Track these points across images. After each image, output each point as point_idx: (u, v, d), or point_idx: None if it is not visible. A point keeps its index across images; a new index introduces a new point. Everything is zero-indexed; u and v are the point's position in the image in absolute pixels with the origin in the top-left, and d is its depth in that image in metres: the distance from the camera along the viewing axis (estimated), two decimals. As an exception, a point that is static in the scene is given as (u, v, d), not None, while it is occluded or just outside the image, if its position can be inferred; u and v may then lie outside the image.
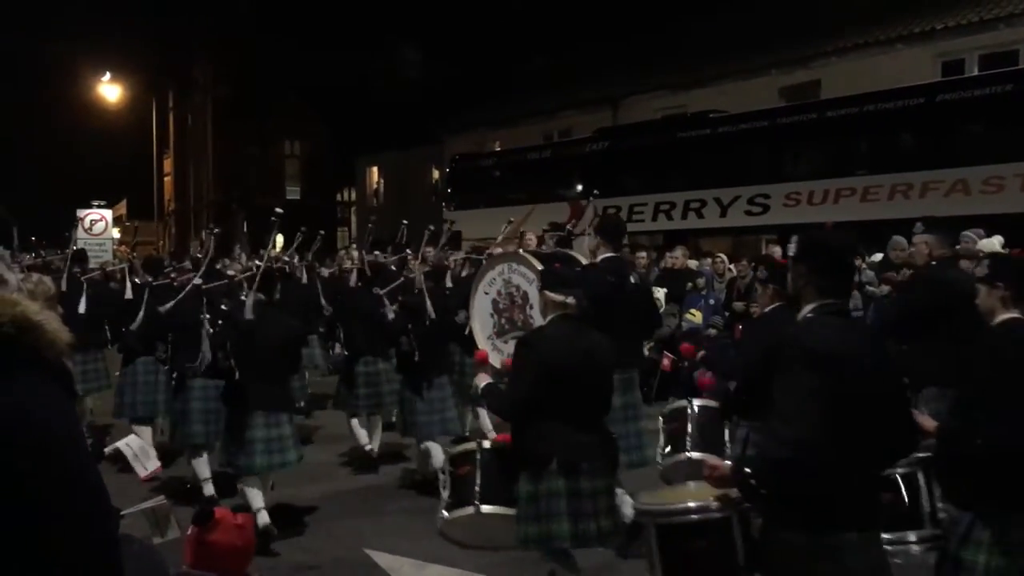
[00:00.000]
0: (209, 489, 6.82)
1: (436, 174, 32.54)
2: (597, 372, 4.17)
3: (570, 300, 4.22)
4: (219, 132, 48.68)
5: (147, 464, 4.15)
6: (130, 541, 2.20)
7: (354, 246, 11.95)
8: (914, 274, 6.45)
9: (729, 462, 3.08)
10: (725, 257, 12.17)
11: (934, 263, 5.66)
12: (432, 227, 9.04)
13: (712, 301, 11.01)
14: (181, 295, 7.16)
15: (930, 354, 5.03)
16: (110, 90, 34.14)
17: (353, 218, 43.76)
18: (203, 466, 6.92)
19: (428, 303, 7.05)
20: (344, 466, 8.13)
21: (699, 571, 3.07)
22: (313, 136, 47.82)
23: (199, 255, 11.73)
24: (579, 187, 18.62)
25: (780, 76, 19.98)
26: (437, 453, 6.79)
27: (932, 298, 5.30)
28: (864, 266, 10.24)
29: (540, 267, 5.75)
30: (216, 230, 9.95)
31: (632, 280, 6.10)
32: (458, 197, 21.62)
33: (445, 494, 4.31)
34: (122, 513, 3.77)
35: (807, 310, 2.96)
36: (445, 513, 4.29)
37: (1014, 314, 3.46)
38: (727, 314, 10.82)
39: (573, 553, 4.26)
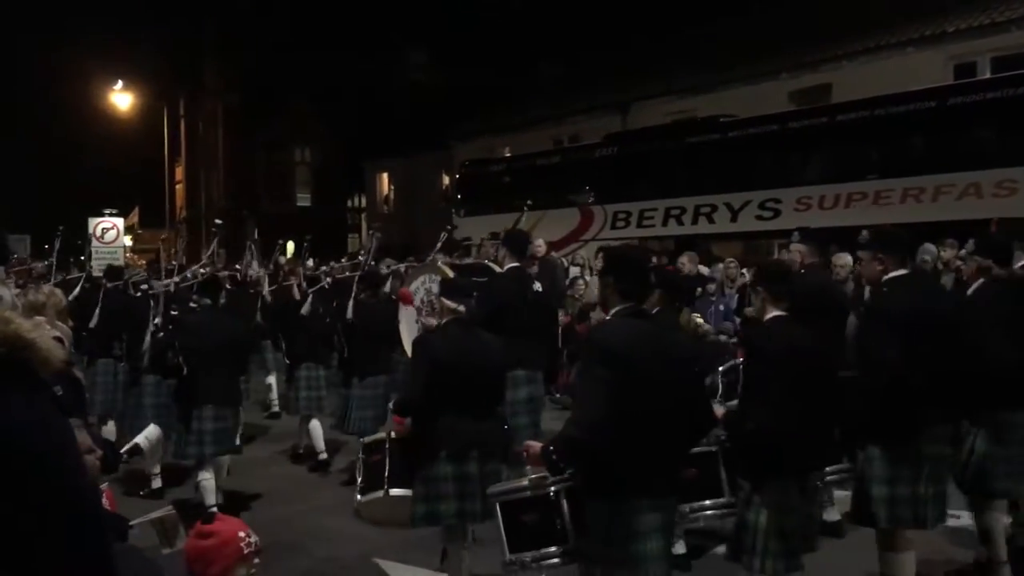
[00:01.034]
0: (157, 483, 7.46)
1: (446, 180, 32.58)
2: (485, 370, 4.61)
3: (461, 308, 4.75)
4: (230, 139, 48.95)
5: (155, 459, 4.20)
6: (132, 555, 2.18)
7: (308, 256, 12.34)
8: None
9: (537, 444, 3.60)
10: (736, 262, 12.12)
11: (803, 270, 6.61)
12: (450, 227, 9.78)
13: (722, 307, 10.96)
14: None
15: None
16: (122, 98, 34.28)
17: (363, 224, 43.88)
18: (154, 461, 7.22)
19: (349, 306, 7.81)
20: (348, 473, 8.08)
21: (534, 537, 3.65)
22: (323, 143, 48.02)
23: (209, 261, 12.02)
24: (589, 192, 18.61)
25: (790, 80, 19.91)
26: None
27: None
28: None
29: (450, 277, 6.43)
30: (218, 222, 10.58)
31: (536, 287, 6.55)
32: (467, 203, 21.63)
33: (359, 479, 4.93)
34: (130, 524, 3.76)
35: (611, 313, 3.50)
36: (359, 496, 4.89)
37: (777, 312, 4.03)
38: (738, 320, 10.77)
39: (466, 529, 4.78)
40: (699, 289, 11.18)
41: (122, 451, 4.50)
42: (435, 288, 6.84)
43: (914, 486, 4.19)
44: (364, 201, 43.11)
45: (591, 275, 13.15)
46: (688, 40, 25.28)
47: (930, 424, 4.19)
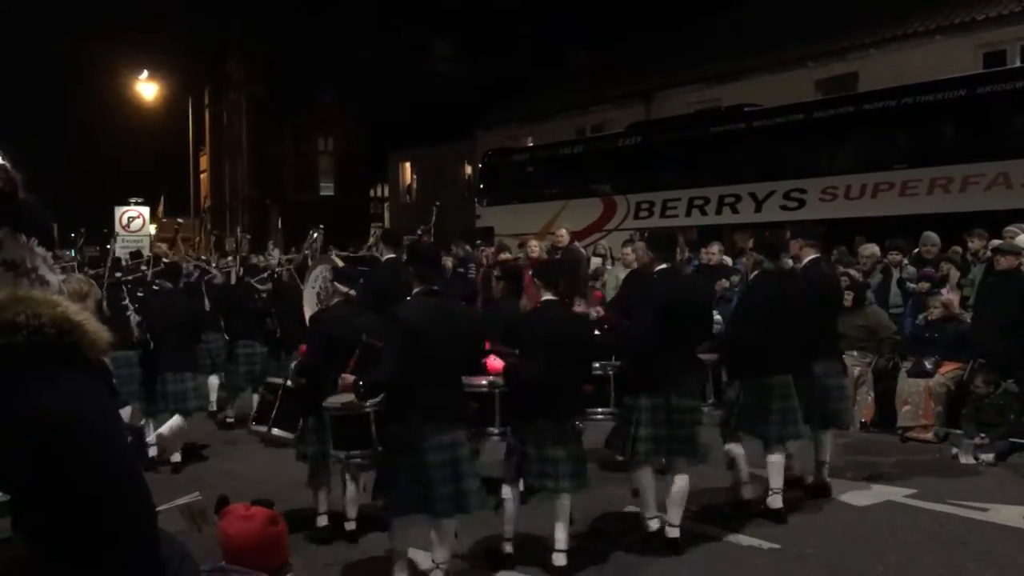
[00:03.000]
0: (177, 457, 7.98)
1: (469, 169, 32.56)
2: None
3: (352, 292, 6.07)
4: (254, 129, 49.18)
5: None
6: (168, 540, 2.21)
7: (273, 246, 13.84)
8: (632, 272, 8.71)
9: (352, 376, 5.02)
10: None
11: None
12: (321, 227, 10.97)
13: (746, 297, 10.89)
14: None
15: None
16: (147, 88, 34.52)
17: (386, 213, 43.96)
18: (175, 448, 8.04)
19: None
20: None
21: (349, 442, 5.10)
22: (346, 132, 48.12)
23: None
24: (612, 182, 18.53)
25: (816, 69, 19.70)
26: None
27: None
28: (906, 262, 10.07)
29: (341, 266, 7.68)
30: (216, 231, 11.34)
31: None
32: (490, 192, 21.59)
33: (253, 411, 6.39)
34: (157, 509, 3.81)
35: (414, 293, 4.84)
36: (252, 424, 6.16)
37: (548, 297, 5.33)
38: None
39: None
40: (723, 280, 11.12)
41: (149, 445, 4.70)
42: (330, 276, 7.97)
43: (668, 428, 5.42)
44: (387, 191, 43.17)
45: (612, 265, 13.12)
46: (713, 29, 25.06)
47: (678, 382, 5.46)
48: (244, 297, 10.15)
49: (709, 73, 22.16)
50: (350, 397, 5.01)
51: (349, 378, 5.01)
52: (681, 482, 5.50)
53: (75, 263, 12.72)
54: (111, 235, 19.02)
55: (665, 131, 18.29)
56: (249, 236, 12.08)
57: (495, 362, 5.48)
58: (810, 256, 6.75)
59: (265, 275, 10.99)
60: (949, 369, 8.35)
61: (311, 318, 6.16)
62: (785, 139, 15.54)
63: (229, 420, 9.87)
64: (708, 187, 16.43)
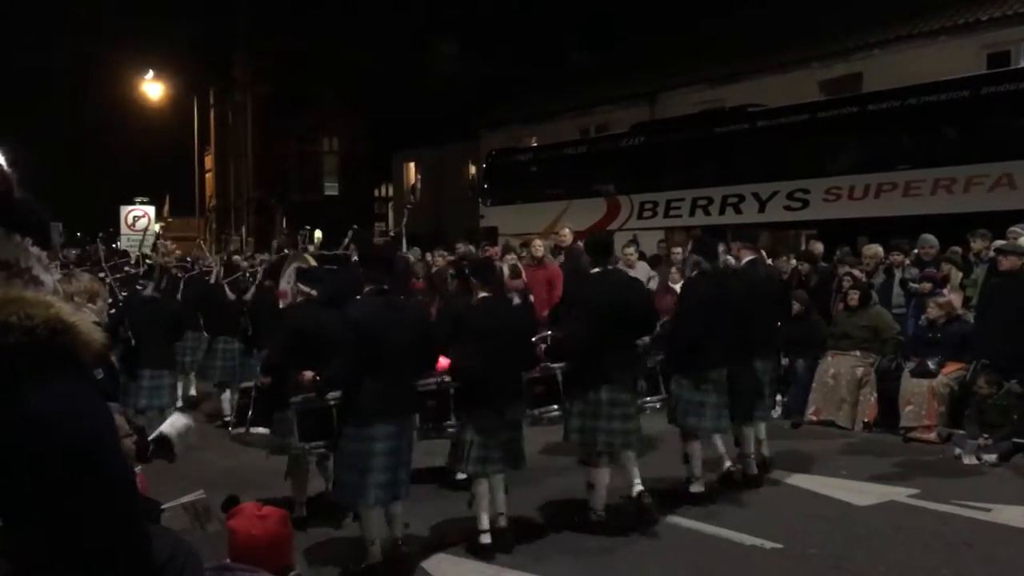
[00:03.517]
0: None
1: (473, 170, 32.55)
2: (327, 338, 5.51)
3: (314, 292, 6.31)
4: (259, 129, 49.21)
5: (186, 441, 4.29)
6: (165, 535, 2.22)
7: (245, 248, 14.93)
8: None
9: (311, 372, 5.58)
10: (763, 253, 12.02)
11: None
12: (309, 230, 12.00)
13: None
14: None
15: None
16: (153, 88, 34.57)
17: (390, 213, 43.96)
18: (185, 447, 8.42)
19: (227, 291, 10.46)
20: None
21: (314, 432, 5.56)
22: (351, 133, 48.13)
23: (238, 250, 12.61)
24: (616, 182, 18.52)
25: (820, 69, 19.68)
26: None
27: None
28: (908, 263, 10.06)
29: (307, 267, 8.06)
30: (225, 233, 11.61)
31: None
32: (494, 192, 21.59)
33: (233, 416, 6.77)
34: (162, 507, 3.83)
35: (364, 293, 5.32)
36: (231, 429, 6.53)
37: (483, 294, 5.70)
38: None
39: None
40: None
41: (149, 440, 4.69)
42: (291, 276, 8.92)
43: (596, 421, 5.84)
44: (391, 191, 43.19)
45: (614, 265, 13.09)
46: (717, 29, 25.04)
47: (610, 379, 5.83)
48: (224, 295, 10.67)
49: (713, 73, 22.15)
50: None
51: (308, 374, 5.58)
52: (605, 475, 5.94)
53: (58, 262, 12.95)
54: (116, 233, 19.04)
55: (669, 131, 18.28)
56: (252, 240, 12.43)
57: (444, 360, 5.79)
58: (748, 258, 7.23)
59: (239, 275, 11.63)
60: (952, 369, 8.35)
61: (276, 316, 6.72)
62: (789, 140, 15.52)
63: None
64: (712, 187, 16.41)
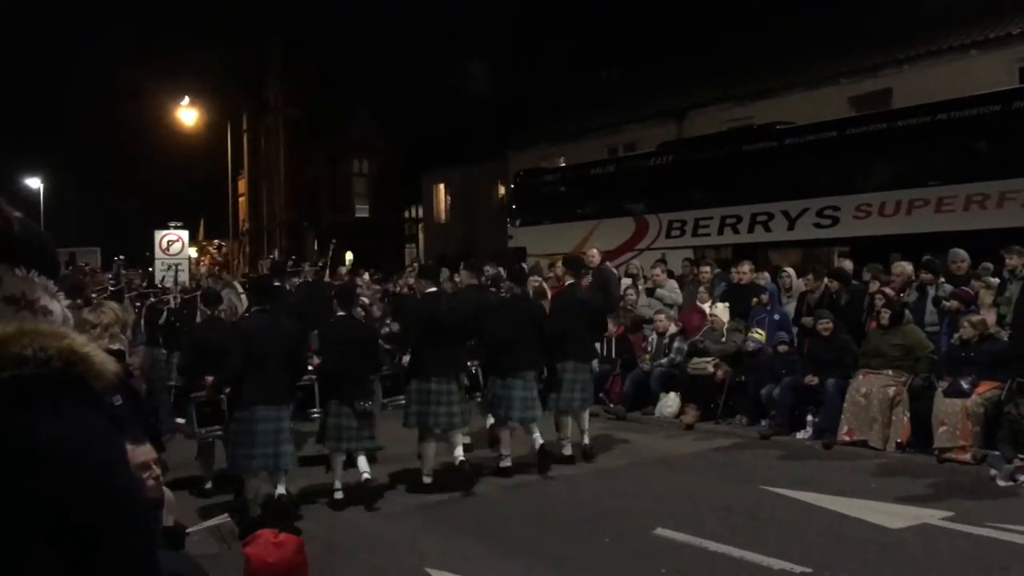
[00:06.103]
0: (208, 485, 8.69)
1: (502, 190, 32.67)
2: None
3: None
4: (290, 152, 49.77)
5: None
6: (183, 563, 2.25)
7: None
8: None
9: (211, 377, 7.13)
10: (792, 271, 11.93)
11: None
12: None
13: (777, 316, 10.77)
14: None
15: None
16: (187, 114, 35.12)
17: (420, 235, 44.19)
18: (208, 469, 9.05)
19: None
20: (402, 484, 8.13)
21: (208, 420, 7.44)
22: (381, 154, 48.44)
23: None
24: (644, 201, 18.49)
25: (849, 85, 19.58)
26: None
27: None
28: (942, 280, 9.88)
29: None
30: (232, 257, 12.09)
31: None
32: (523, 213, 21.64)
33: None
34: (188, 531, 3.89)
35: (252, 311, 7.27)
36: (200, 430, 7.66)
37: (568, 284, 9.06)
38: (795, 330, 10.58)
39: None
40: (754, 299, 11.03)
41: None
42: (232, 298, 10.84)
43: (435, 407, 7.72)
44: (421, 212, 43.44)
45: (644, 284, 13.06)
46: (744, 46, 24.99)
47: (438, 372, 7.76)
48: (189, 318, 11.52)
49: (741, 91, 22.10)
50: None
51: (209, 379, 7.13)
52: (432, 447, 7.88)
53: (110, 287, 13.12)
54: (152, 258, 19.28)
55: (697, 150, 18.24)
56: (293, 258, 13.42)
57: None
58: (568, 281, 9.40)
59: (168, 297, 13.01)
60: (986, 389, 8.19)
61: (233, 325, 7.88)
62: (818, 156, 15.41)
63: None
64: (740, 205, 16.31)
